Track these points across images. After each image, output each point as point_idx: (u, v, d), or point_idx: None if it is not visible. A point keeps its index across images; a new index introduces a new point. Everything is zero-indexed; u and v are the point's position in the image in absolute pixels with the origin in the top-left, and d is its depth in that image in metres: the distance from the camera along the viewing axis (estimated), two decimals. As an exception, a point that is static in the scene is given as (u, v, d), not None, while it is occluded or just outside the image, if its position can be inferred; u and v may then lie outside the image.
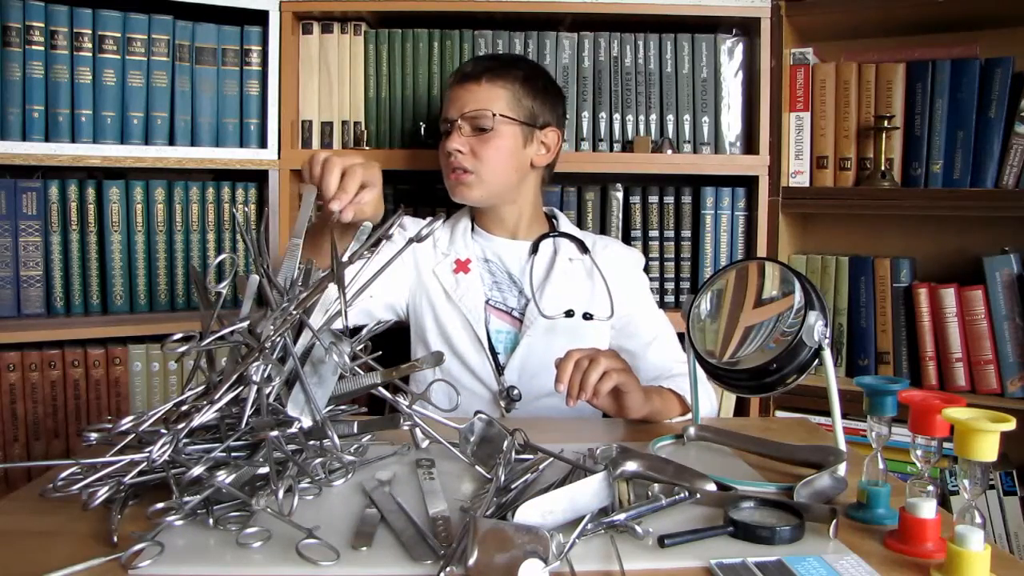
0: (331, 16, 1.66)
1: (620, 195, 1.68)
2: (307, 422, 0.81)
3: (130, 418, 0.79)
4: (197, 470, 0.72)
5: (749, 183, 1.66)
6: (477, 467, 0.88)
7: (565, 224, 1.48)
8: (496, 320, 1.36)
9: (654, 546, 0.68)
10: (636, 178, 1.68)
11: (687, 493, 0.75)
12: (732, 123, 1.67)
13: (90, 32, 1.52)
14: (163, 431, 0.75)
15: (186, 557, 0.66)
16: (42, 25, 1.49)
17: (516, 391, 1.30)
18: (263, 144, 1.64)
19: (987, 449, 0.63)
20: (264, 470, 0.76)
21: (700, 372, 1.05)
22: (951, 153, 1.57)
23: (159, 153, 1.57)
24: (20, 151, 1.48)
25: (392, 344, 1.54)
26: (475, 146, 1.33)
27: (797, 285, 0.93)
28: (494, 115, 1.33)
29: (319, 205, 1.05)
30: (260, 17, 1.62)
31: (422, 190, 1.69)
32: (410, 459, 0.92)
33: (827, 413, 0.91)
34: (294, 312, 0.85)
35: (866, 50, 1.70)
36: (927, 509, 0.69)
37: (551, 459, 0.85)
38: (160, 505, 0.73)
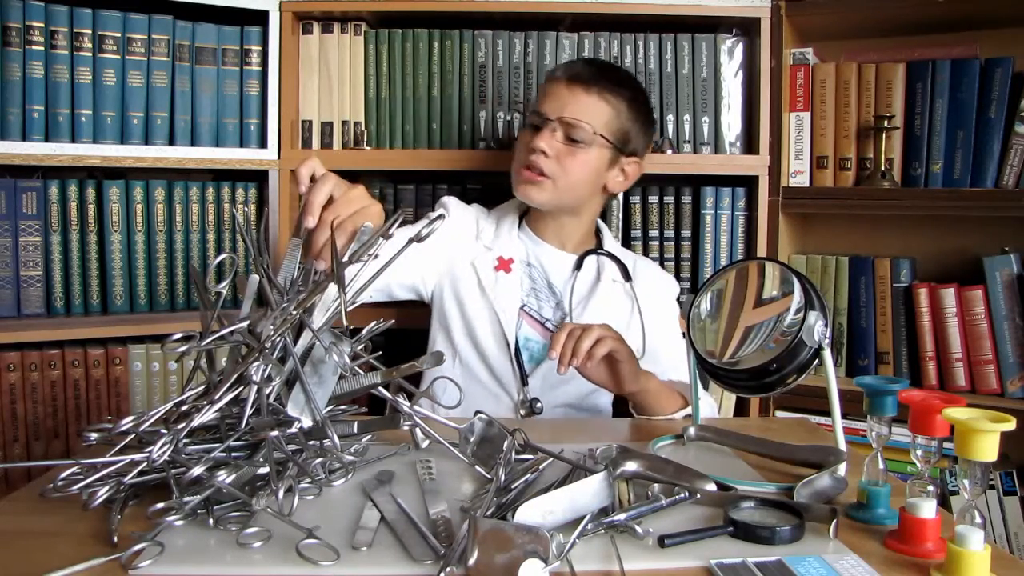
0: (331, 16, 1.66)
1: (620, 195, 1.68)
2: (307, 422, 0.81)
3: (130, 418, 0.79)
4: (197, 470, 0.72)
5: (749, 183, 1.66)
6: (477, 467, 0.88)
7: (609, 241, 1.45)
8: (527, 327, 1.33)
9: (654, 546, 0.68)
10: (636, 178, 1.68)
11: (687, 493, 0.75)
12: (732, 123, 1.67)
13: (90, 32, 1.52)
14: (163, 431, 0.75)
15: (186, 557, 0.66)
16: (42, 25, 1.49)
17: (540, 405, 1.28)
18: (263, 144, 1.64)
19: (987, 449, 0.63)
20: (264, 470, 0.76)
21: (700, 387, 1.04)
22: (951, 153, 1.57)
23: (159, 153, 1.57)
24: (20, 151, 1.48)
25: (392, 344, 1.55)
26: (562, 153, 1.28)
27: (797, 285, 0.93)
28: (594, 132, 1.28)
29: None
30: (260, 17, 1.62)
31: (422, 190, 1.69)
32: (410, 459, 0.92)
33: (827, 413, 0.91)
34: (294, 312, 0.84)
35: (866, 50, 1.70)
36: (927, 509, 0.69)
37: (551, 459, 0.85)
38: (160, 505, 0.73)
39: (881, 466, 0.77)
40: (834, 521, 0.71)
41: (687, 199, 1.68)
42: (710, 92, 1.66)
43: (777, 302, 0.97)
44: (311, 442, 0.83)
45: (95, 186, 1.58)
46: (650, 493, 0.75)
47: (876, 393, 0.78)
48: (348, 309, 0.86)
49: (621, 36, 1.66)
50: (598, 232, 1.45)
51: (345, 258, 0.89)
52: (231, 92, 1.63)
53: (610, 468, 0.74)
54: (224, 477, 0.71)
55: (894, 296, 1.62)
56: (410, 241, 0.97)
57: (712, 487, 0.80)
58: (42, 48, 1.50)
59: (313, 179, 0.97)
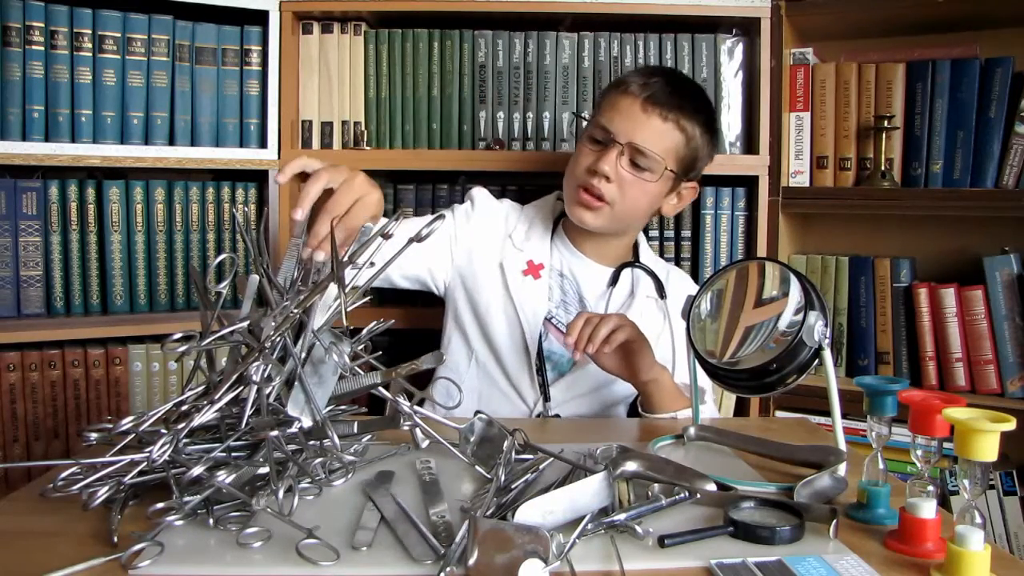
0: (331, 16, 1.66)
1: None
2: (307, 422, 0.81)
3: (130, 418, 0.79)
4: (197, 470, 0.72)
5: (749, 183, 1.66)
6: (477, 467, 0.88)
7: (646, 253, 1.38)
8: (552, 339, 1.27)
9: (654, 546, 0.68)
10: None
11: (687, 493, 0.75)
12: (732, 123, 1.67)
13: (90, 32, 1.52)
14: (163, 431, 0.75)
15: (186, 557, 0.66)
16: (42, 25, 1.49)
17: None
18: (263, 144, 1.64)
19: (987, 449, 0.63)
20: (264, 470, 0.76)
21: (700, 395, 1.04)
22: (951, 153, 1.57)
23: (159, 153, 1.57)
24: (20, 151, 1.48)
25: (402, 344, 1.55)
26: (624, 179, 1.20)
27: (797, 285, 0.93)
28: (665, 168, 1.21)
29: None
30: (260, 17, 1.62)
31: (422, 190, 1.69)
32: (410, 459, 0.92)
33: (827, 413, 0.91)
34: (294, 312, 0.84)
35: (866, 50, 1.70)
36: (927, 509, 0.69)
37: (551, 459, 0.85)
38: (160, 505, 0.73)
39: (881, 466, 0.77)
40: (834, 521, 0.71)
41: (687, 199, 1.68)
42: (710, 92, 1.65)
43: (777, 302, 0.96)
44: (311, 442, 0.83)
45: (95, 186, 1.58)
46: (650, 493, 0.75)
47: (876, 393, 0.78)
48: (348, 310, 0.86)
49: (621, 36, 1.66)
50: (636, 244, 1.39)
51: (345, 257, 0.89)
52: (231, 92, 1.63)
53: (610, 468, 0.74)
54: (224, 477, 0.71)
55: (894, 296, 1.62)
56: (409, 241, 0.97)
57: (712, 487, 0.80)
58: (42, 48, 1.50)
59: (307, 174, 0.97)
